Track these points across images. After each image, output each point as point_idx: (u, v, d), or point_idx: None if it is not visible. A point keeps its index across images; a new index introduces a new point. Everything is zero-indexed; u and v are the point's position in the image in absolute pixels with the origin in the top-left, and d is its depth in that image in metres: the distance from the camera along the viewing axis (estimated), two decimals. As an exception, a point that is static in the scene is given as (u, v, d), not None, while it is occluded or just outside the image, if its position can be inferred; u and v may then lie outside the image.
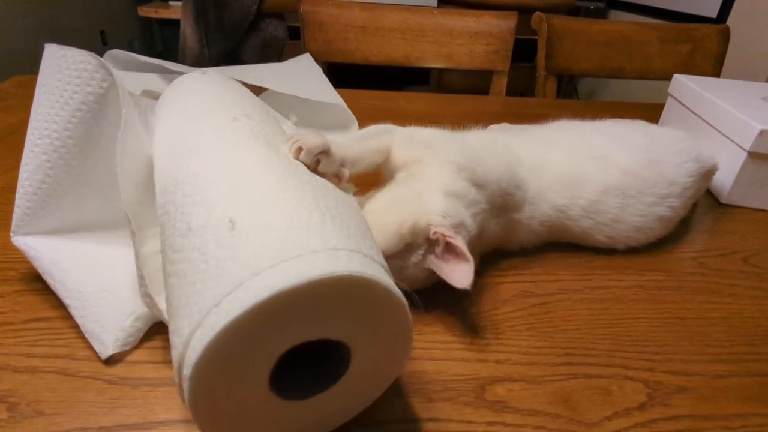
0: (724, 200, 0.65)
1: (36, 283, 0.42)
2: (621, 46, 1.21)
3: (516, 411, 0.34)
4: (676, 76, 0.82)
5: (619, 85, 1.97)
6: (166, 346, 0.37)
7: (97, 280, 0.39)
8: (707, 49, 1.22)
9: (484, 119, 0.89)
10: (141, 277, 0.33)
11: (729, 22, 1.55)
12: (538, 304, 0.44)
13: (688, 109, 0.77)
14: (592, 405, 0.35)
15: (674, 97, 0.82)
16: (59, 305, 0.40)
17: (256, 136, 0.34)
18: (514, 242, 0.50)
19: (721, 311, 0.46)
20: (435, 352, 0.38)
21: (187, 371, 0.24)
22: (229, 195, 0.28)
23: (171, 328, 0.26)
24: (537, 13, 1.16)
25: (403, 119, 0.85)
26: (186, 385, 0.24)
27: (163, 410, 0.32)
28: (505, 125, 0.73)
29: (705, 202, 0.65)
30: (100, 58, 0.39)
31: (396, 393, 0.35)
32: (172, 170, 0.33)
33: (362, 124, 0.81)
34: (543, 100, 1.13)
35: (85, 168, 0.40)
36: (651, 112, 0.81)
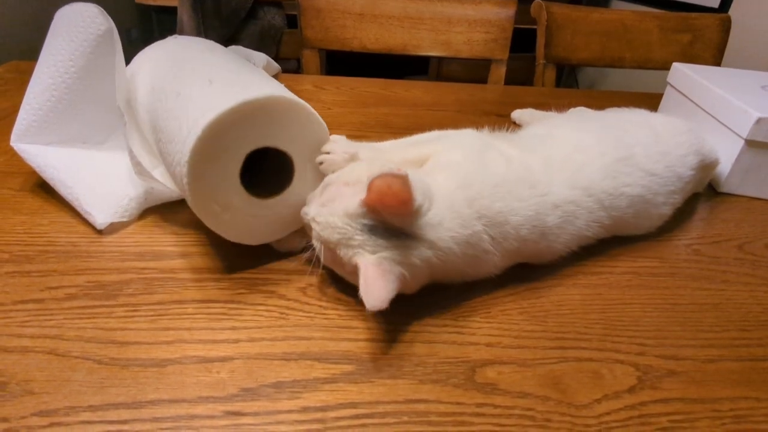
0: (720, 188, 0.65)
1: (27, 265, 0.42)
2: (621, 35, 1.20)
3: (506, 393, 0.34)
4: (675, 65, 0.81)
5: (620, 76, 1.96)
6: (155, 328, 0.37)
7: (92, 174, 0.50)
8: (708, 38, 1.21)
9: (482, 108, 0.89)
10: (131, 152, 0.44)
11: (731, 12, 1.54)
12: (531, 288, 0.44)
13: (687, 97, 0.76)
14: (581, 388, 0.35)
15: (673, 86, 0.81)
16: (49, 287, 0.40)
17: (222, 56, 0.50)
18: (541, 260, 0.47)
19: (714, 297, 0.45)
20: (426, 335, 0.38)
21: (184, 158, 0.37)
22: (206, 71, 0.44)
23: (172, 146, 0.40)
24: (536, 1, 1.15)
25: (400, 107, 0.85)
26: (184, 169, 0.38)
27: (152, 390, 0.32)
28: (531, 111, 0.73)
29: (701, 190, 0.65)
30: (100, 7, 0.49)
31: (387, 375, 0.35)
32: (160, 77, 0.47)
33: (361, 110, 0.81)
34: (542, 89, 1.12)
35: (81, 91, 0.51)
36: (651, 102, 0.80)
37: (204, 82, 0.42)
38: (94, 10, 0.49)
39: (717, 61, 1.22)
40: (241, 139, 0.39)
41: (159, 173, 0.47)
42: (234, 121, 0.38)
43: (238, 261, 0.44)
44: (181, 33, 1.74)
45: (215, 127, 0.37)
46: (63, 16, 0.50)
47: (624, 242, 0.51)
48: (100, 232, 0.46)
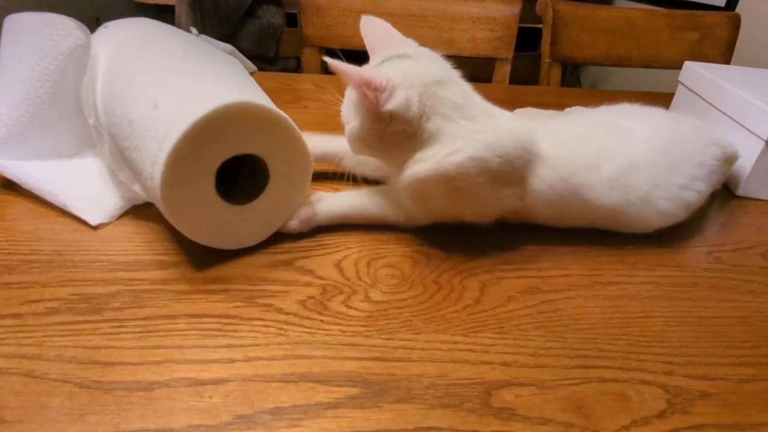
0: (738, 192, 0.62)
1: (8, 276, 0.39)
2: (628, 33, 1.17)
3: (525, 419, 0.31)
4: (687, 63, 0.78)
5: (624, 75, 1.93)
6: (142, 346, 0.34)
7: (73, 180, 0.49)
8: (717, 36, 1.19)
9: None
10: (112, 170, 0.46)
11: (738, 10, 1.51)
12: (547, 301, 0.41)
13: (701, 97, 0.73)
14: (607, 412, 0.32)
15: (685, 85, 0.78)
16: (30, 301, 0.37)
17: (159, 49, 0.48)
18: (527, 214, 0.48)
19: (741, 310, 0.43)
20: (436, 353, 0.35)
21: (158, 194, 0.37)
22: (149, 89, 0.42)
23: (142, 179, 0.39)
24: (542, -2, 1.12)
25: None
26: (161, 204, 0.38)
27: (137, 417, 0.29)
28: (530, 110, 0.70)
29: (718, 194, 0.62)
30: (78, 21, 0.48)
31: (394, 398, 0.32)
32: (106, 96, 0.45)
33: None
34: (547, 88, 1.09)
35: (56, 106, 0.49)
36: (659, 101, 0.77)
37: (149, 103, 0.40)
38: (71, 24, 0.47)
39: (726, 59, 1.19)
40: (209, 154, 0.38)
41: (138, 187, 0.44)
42: (195, 141, 0.37)
43: (234, 271, 0.41)
44: (179, 31, 1.71)
45: (177, 156, 0.36)
46: (27, 27, 0.48)
47: (640, 248, 0.48)
48: (96, 228, 0.45)
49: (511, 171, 0.43)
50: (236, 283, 0.40)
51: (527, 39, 1.32)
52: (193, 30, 0.71)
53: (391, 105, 0.40)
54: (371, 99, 0.40)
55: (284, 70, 1.81)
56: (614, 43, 1.18)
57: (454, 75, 0.45)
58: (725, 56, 1.19)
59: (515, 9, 1.10)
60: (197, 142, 0.37)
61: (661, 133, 0.50)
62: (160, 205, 0.38)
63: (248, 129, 0.39)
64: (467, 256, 0.46)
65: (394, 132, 0.42)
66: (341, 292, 0.40)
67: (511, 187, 0.44)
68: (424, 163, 0.42)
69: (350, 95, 0.44)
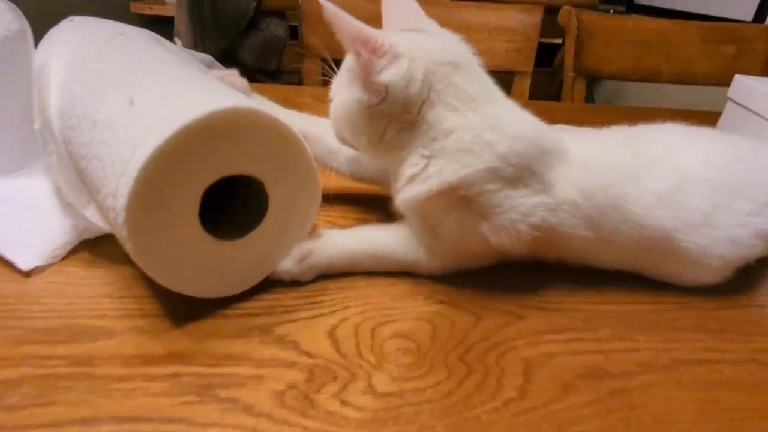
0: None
1: None
2: (658, 46, 1.08)
3: None
4: (738, 77, 0.69)
5: (640, 91, 1.83)
6: (77, 404, 0.23)
7: (6, 208, 0.40)
8: (755, 50, 1.09)
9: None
10: (60, 190, 0.36)
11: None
12: (616, 391, 0.30)
13: (759, 114, 0.63)
14: None
15: (735, 101, 0.69)
16: None
17: (134, 46, 0.38)
18: (550, 249, 0.38)
19: None
20: (472, 486, 0.24)
21: (120, 218, 0.28)
22: (122, 85, 0.32)
23: (100, 197, 0.30)
24: (565, 7, 1.03)
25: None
26: (123, 232, 0.28)
27: None
28: (564, 127, 0.61)
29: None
30: (10, 3, 0.41)
31: None
32: (65, 95, 0.35)
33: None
34: (572, 105, 0.99)
35: None
36: (702, 119, 0.67)
37: (122, 100, 0.31)
38: (2, 6, 0.40)
39: (765, 75, 1.09)
40: (195, 172, 0.29)
41: (91, 212, 0.34)
42: (181, 152, 0.28)
43: (190, 343, 0.31)
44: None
45: (155, 169, 0.27)
46: None
47: (723, 307, 0.37)
48: (27, 274, 0.35)
49: (528, 175, 0.34)
50: (191, 363, 0.29)
51: (540, 54, 1.23)
52: (177, 41, 0.63)
53: (388, 75, 0.33)
54: (365, 60, 0.33)
55: (287, 84, 1.74)
56: (642, 57, 1.08)
57: (473, 61, 0.37)
58: (764, 72, 1.09)
59: (536, 19, 1.00)
60: (183, 153, 0.28)
61: (717, 150, 0.41)
62: (121, 235, 0.29)
63: (248, 143, 0.31)
64: (502, 320, 0.35)
65: (387, 114, 0.34)
66: (335, 378, 0.29)
67: (533, 194, 0.34)
68: (421, 184, 0.34)
69: (347, 63, 0.37)
